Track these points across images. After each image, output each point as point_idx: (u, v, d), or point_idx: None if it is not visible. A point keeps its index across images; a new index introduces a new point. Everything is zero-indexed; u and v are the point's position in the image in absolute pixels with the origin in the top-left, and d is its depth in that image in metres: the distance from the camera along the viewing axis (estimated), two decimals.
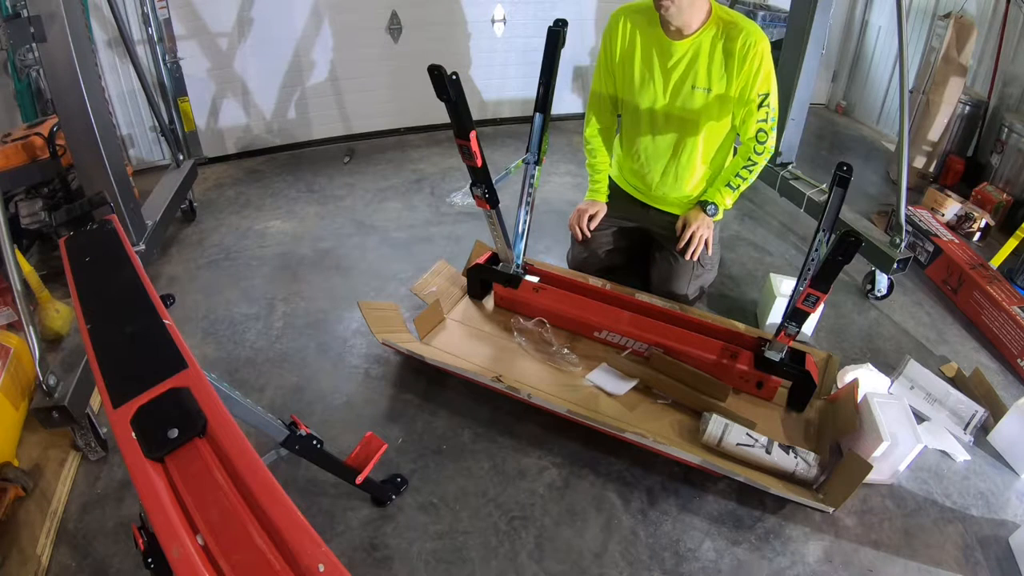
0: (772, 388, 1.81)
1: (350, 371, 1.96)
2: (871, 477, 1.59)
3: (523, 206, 1.99)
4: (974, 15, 3.25)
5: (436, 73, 1.41)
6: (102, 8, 2.77)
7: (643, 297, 2.07)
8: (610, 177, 2.23)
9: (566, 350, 1.93)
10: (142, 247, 2.12)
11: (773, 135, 1.88)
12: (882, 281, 2.36)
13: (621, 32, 1.90)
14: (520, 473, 1.64)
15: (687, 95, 1.86)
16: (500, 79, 3.84)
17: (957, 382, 1.97)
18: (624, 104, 2.00)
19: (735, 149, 2.08)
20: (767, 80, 1.79)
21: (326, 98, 3.50)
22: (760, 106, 1.82)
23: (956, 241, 2.56)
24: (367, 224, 2.79)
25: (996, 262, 2.48)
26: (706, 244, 2.04)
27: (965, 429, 1.82)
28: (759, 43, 1.74)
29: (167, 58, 2.88)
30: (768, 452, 1.57)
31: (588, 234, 2.15)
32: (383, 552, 1.43)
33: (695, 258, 2.04)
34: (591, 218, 2.14)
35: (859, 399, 1.68)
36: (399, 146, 3.61)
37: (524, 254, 2.06)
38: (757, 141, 1.88)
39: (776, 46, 1.91)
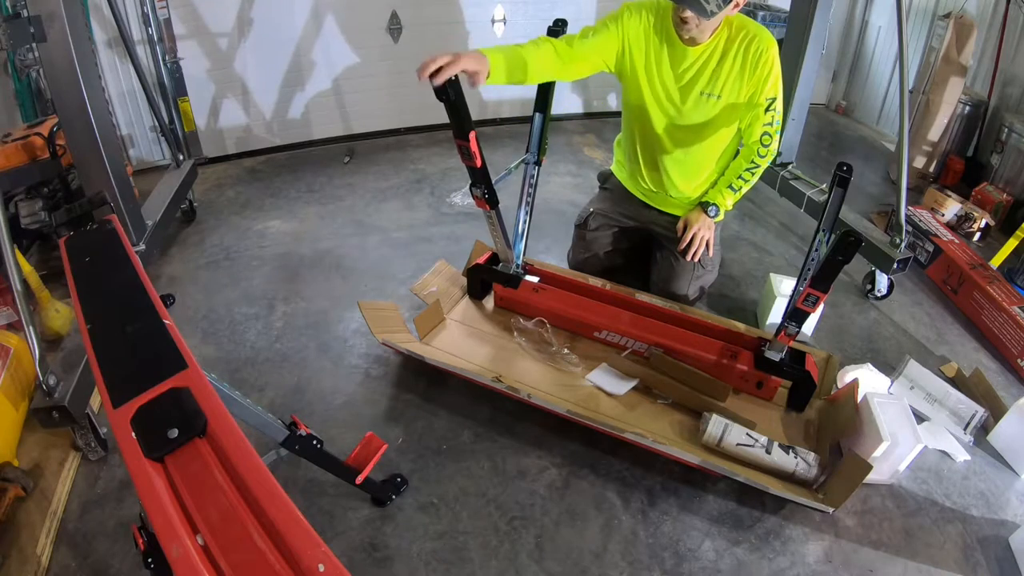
0: (772, 388, 1.81)
1: (350, 371, 1.96)
2: (871, 477, 1.59)
3: (523, 206, 1.99)
4: (974, 15, 3.24)
5: None
6: (102, 8, 2.77)
7: (643, 297, 2.07)
8: (614, 175, 2.22)
9: (566, 350, 1.93)
10: (142, 247, 2.12)
11: (777, 139, 1.87)
12: (882, 281, 2.36)
13: (637, 25, 1.80)
14: (520, 473, 1.64)
15: (696, 100, 1.85)
16: None
17: (957, 382, 1.97)
18: (632, 108, 1.97)
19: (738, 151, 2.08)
20: (775, 85, 1.79)
21: (326, 98, 3.50)
22: (767, 110, 1.82)
23: (956, 241, 2.56)
24: (367, 224, 2.79)
25: (996, 262, 2.48)
26: (707, 245, 2.04)
27: (965, 429, 1.82)
28: (770, 48, 1.74)
29: (167, 58, 2.87)
30: (768, 452, 1.57)
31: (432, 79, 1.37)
32: (383, 552, 1.43)
33: (696, 259, 2.04)
34: (472, 74, 1.45)
35: (859, 399, 1.68)
36: (399, 146, 3.61)
37: (524, 254, 2.06)
38: (761, 144, 1.87)
39: None
